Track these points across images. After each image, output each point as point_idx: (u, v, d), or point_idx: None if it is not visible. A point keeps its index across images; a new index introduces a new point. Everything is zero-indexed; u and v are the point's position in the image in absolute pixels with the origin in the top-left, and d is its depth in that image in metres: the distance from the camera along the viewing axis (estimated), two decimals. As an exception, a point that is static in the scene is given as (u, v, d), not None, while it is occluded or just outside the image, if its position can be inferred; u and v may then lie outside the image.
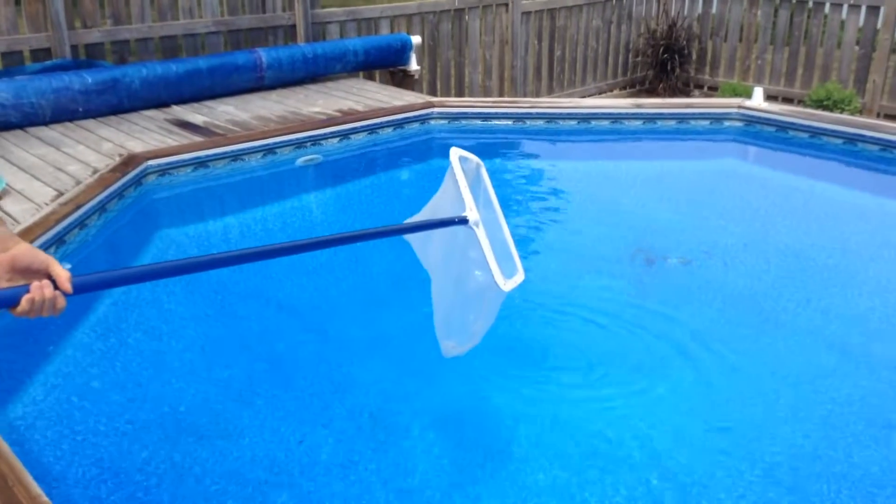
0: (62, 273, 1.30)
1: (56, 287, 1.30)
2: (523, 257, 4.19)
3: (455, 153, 2.39)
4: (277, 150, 5.03)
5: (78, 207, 3.66)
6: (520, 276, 2.40)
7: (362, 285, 4.02)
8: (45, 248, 3.39)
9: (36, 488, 1.74)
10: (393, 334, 3.51)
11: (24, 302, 1.26)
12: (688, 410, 3.02)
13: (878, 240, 4.56)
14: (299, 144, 5.13)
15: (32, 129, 5.00)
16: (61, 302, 1.31)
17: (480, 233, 2.29)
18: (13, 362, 3.17)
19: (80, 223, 3.69)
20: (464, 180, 2.34)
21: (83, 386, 3.09)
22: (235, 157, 4.83)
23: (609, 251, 4.34)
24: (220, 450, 2.81)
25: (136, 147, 4.67)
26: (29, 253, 1.29)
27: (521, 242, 4.55)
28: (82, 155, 4.52)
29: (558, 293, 3.88)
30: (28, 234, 3.32)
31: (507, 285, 2.29)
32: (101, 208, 3.88)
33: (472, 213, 2.29)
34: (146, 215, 4.45)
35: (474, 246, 2.30)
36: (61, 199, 3.73)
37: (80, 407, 2.95)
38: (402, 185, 5.45)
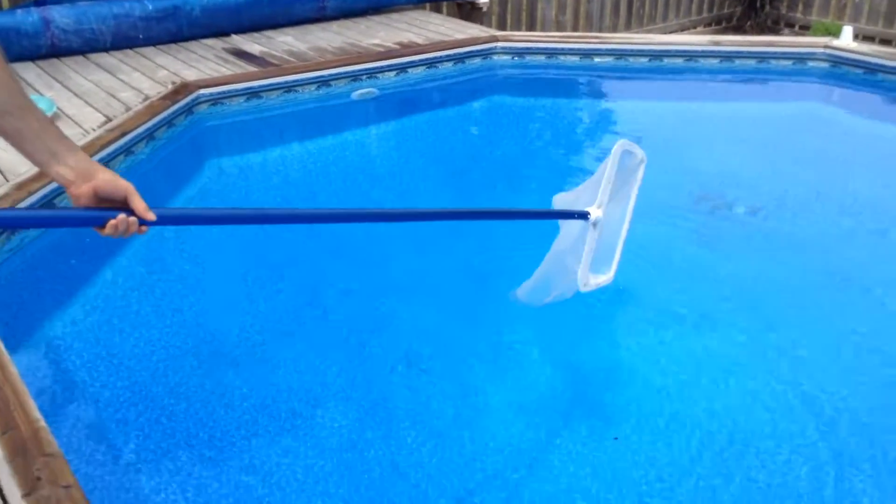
0: (140, 205, 1.36)
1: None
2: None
3: (620, 146, 2.35)
4: (332, 83, 4.93)
5: (124, 134, 3.66)
6: (606, 278, 2.40)
7: (408, 226, 3.92)
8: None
9: (35, 412, 1.73)
10: (435, 276, 3.43)
11: (109, 227, 1.35)
12: (746, 365, 2.85)
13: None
14: (355, 77, 5.02)
15: (92, 56, 5.03)
16: (144, 228, 1.41)
17: (592, 235, 2.31)
18: (54, 283, 3.21)
19: (127, 150, 3.70)
20: (610, 177, 2.31)
21: (123, 310, 3.11)
22: (289, 88, 4.76)
23: (672, 196, 4.12)
24: (255, 379, 2.80)
25: (191, 76, 4.65)
26: (109, 182, 1.35)
27: (581, 182, 4.39)
28: (136, 82, 4.53)
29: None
30: (73, 158, 3.33)
31: (588, 285, 2.32)
32: (149, 136, 3.88)
33: (595, 212, 2.29)
34: (196, 144, 4.44)
35: (584, 238, 2.33)
36: (108, 126, 3.74)
37: (120, 330, 2.98)
38: (461, 123, 5.30)
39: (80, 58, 4.98)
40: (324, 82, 4.90)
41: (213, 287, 3.34)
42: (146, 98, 4.18)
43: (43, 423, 1.71)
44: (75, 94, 4.28)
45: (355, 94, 4.99)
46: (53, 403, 2.57)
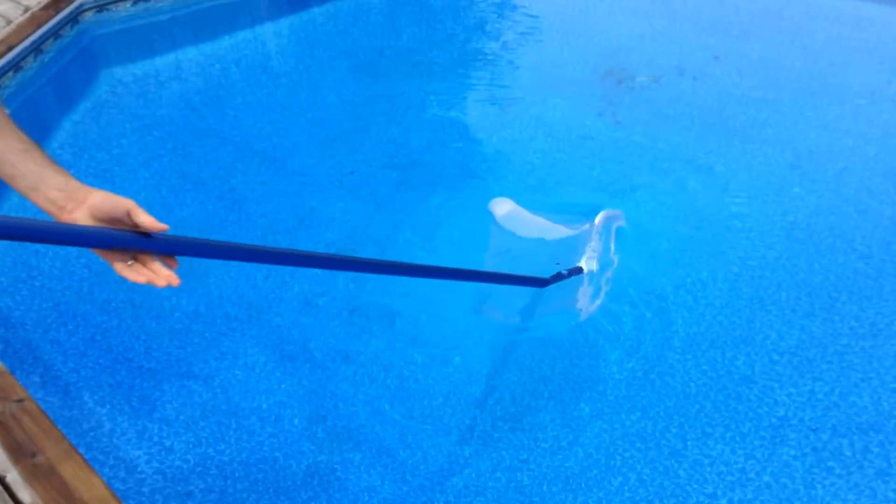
0: (145, 219, 1.17)
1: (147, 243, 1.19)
2: (493, 83, 4.11)
3: (603, 215, 2.89)
4: (223, -22, 4.70)
5: (10, 49, 3.44)
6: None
7: (322, 120, 3.88)
8: (-23, 93, 3.23)
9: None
10: (355, 167, 3.43)
11: (135, 273, 1.19)
12: (652, 227, 3.02)
13: (852, 45, 4.41)
14: (247, -30, 4.80)
15: (-44, -33, 4.63)
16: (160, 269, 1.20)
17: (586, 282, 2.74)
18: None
19: (15, 65, 3.48)
20: (595, 238, 2.83)
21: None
22: (178, -13, 4.52)
23: (580, 72, 4.19)
24: (185, 289, 2.79)
25: (70, -19, 4.34)
26: (106, 200, 1.17)
27: (488, 66, 4.40)
28: (11, -8, 4.21)
29: (526, 119, 3.77)
30: (-43, 80, 3.14)
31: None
32: (35, 49, 3.65)
33: (587, 265, 2.74)
34: (87, 55, 4.20)
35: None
36: (-10, 41, 3.51)
37: (35, 252, 2.90)
38: (361, 12, 5.16)
39: (-59, -31, 4.58)
40: (214, -22, 4.67)
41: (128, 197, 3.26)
42: (27, 9, 3.90)
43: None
44: (-55, 10, 3.97)
45: (249, -11, 4.78)
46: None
